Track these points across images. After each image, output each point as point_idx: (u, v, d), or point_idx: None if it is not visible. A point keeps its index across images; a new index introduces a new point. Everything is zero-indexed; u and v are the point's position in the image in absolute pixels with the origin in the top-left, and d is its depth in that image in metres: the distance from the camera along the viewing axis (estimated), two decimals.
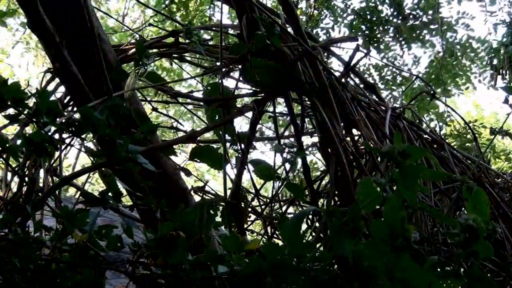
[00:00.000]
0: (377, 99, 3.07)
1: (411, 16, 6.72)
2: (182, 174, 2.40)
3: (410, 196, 1.08)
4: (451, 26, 6.78)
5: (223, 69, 2.33)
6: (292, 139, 3.14)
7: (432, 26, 6.75)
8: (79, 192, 3.30)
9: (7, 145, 1.26)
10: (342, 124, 2.44)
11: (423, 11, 6.68)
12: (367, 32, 6.74)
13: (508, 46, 6.42)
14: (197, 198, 2.43)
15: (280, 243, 1.96)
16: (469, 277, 1.03)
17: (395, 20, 6.76)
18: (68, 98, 2.62)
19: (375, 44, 6.78)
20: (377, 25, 6.72)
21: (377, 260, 1.00)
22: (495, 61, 6.67)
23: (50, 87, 2.74)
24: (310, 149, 3.13)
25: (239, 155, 2.21)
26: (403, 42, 6.87)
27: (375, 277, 0.99)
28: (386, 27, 6.78)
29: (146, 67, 2.06)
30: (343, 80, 2.66)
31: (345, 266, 1.02)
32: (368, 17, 6.72)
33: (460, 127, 4.64)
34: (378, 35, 6.77)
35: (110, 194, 1.30)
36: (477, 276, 1.03)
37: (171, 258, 1.21)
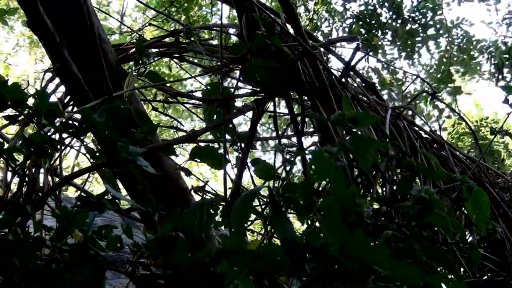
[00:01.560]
0: (377, 99, 3.07)
1: (410, 19, 6.71)
2: (182, 174, 2.40)
3: (363, 164, 1.06)
4: (449, 29, 6.78)
5: (223, 69, 2.33)
6: (292, 139, 3.14)
7: (430, 31, 6.75)
8: (78, 192, 3.29)
9: (5, 147, 1.26)
10: None
11: (422, 13, 6.67)
12: (365, 35, 6.73)
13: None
14: (197, 198, 2.43)
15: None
16: (427, 253, 1.00)
17: (394, 23, 6.76)
18: (68, 98, 2.62)
19: (374, 49, 6.77)
20: (376, 29, 6.71)
21: (331, 238, 0.93)
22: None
23: (50, 87, 2.74)
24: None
25: (240, 155, 2.21)
26: (400, 47, 6.88)
27: (329, 257, 0.92)
28: (384, 31, 6.78)
29: (146, 67, 2.05)
30: (343, 79, 2.65)
31: (293, 248, 0.97)
32: (367, 20, 6.71)
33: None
34: (378, 41, 6.76)
35: (108, 196, 1.29)
36: (434, 252, 1.00)
37: (171, 258, 1.20)
